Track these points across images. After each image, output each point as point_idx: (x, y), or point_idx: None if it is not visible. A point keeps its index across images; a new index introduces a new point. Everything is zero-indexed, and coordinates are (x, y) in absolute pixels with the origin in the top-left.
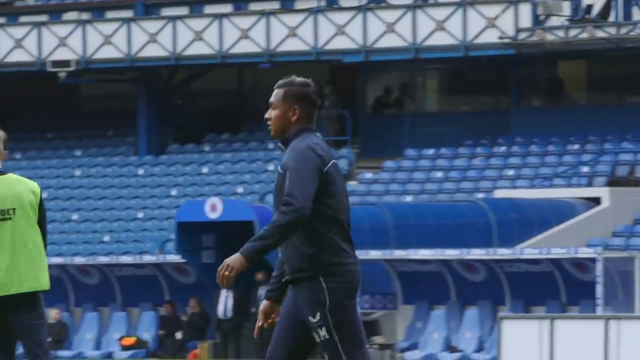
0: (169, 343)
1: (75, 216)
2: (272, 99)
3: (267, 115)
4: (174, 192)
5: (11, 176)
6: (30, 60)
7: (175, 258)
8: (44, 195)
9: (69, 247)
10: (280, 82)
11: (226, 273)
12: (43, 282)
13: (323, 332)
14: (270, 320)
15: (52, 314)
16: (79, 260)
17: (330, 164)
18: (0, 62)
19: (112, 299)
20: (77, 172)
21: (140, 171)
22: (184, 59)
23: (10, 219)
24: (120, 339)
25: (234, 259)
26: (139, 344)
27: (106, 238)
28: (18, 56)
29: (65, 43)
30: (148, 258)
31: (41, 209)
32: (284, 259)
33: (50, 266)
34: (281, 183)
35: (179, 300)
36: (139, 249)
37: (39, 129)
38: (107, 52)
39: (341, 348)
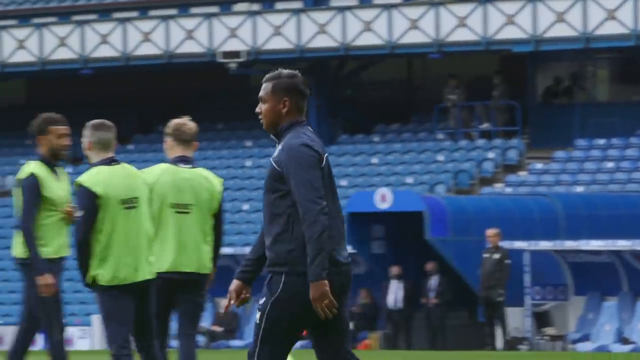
0: None
1: (246, 206)
2: (261, 93)
3: (257, 109)
4: (343, 182)
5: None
6: (201, 51)
7: None
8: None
9: (239, 237)
10: (267, 75)
11: (324, 305)
12: (209, 266)
13: (257, 316)
14: (241, 297)
15: (222, 303)
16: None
17: (325, 160)
18: (172, 53)
19: None
20: (248, 163)
21: None
22: (354, 49)
23: (189, 212)
24: None
25: (315, 292)
26: None
27: None
28: (189, 47)
29: (235, 34)
30: None
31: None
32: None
33: (221, 256)
34: (270, 177)
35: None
36: None
37: (209, 120)
38: (277, 43)
39: (260, 338)
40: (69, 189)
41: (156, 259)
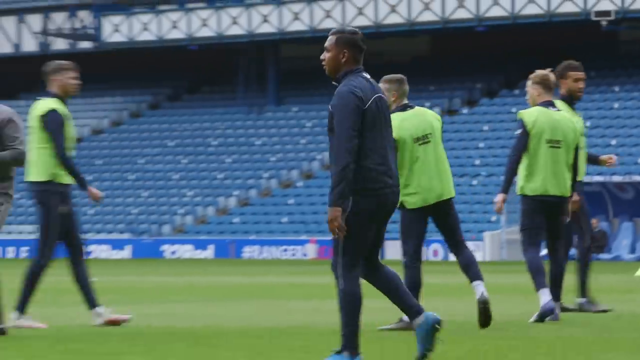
0: None
1: (613, 142)
2: (326, 44)
3: (321, 57)
4: None
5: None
6: (577, 11)
7: None
8: (587, 124)
9: (606, 168)
10: (333, 30)
11: (334, 226)
12: (569, 191)
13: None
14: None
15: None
16: (616, 178)
17: (370, 101)
18: (553, 13)
19: None
20: (615, 105)
21: None
22: None
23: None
24: None
25: (330, 214)
26: None
27: None
28: (567, 8)
29: None
30: None
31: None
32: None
33: (591, 184)
34: (330, 121)
35: None
36: None
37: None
38: None
39: (342, 253)
40: None
41: (527, 184)
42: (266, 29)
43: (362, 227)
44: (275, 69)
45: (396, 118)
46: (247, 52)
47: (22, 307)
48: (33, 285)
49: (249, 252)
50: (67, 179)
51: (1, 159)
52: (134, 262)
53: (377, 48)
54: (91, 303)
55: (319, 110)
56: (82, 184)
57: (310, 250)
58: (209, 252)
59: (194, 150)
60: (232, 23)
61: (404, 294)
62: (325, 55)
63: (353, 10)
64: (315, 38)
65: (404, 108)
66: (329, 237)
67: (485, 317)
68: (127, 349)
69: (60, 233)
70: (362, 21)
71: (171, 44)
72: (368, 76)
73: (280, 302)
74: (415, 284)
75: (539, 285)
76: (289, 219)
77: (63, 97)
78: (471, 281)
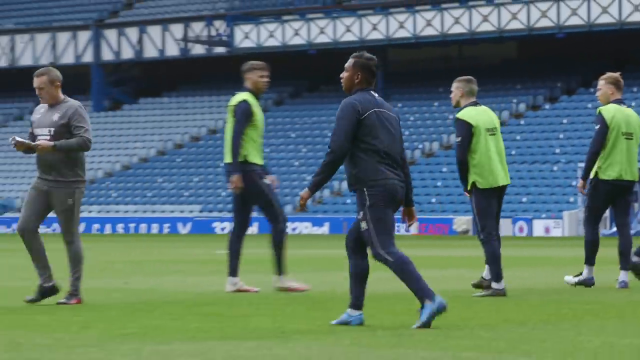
0: None
1: None
2: (346, 65)
3: (341, 75)
4: None
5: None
6: None
7: None
8: None
9: None
10: (354, 54)
11: (301, 203)
12: (637, 176)
13: (364, 225)
14: None
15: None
16: None
17: (369, 112)
18: (623, 22)
19: None
20: None
21: None
22: None
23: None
24: None
25: (304, 192)
26: None
27: None
28: (637, 17)
29: None
30: None
31: None
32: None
33: None
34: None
35: None
36: None
37: None
38: None
39: (375, 236)
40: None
41: (605, 171)
42: (375, 35)
43: (381, 212)
44: (383, 71)
45: (471, 111)
46: None
47: (279, 270)
48: (283, 250)
49: None
50: (257, 159)
51: (69, 146)
52: (261, 237)
53: (471, 52)
54: (232, 272)
55: (419, 106)
56: (234, 168)
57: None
58: (324, 229)
59: (312, 140)
60: (346, 31)
61: (365, 285)
62: (343, 74)
63: (450, 19)
64: (418, 44)
65: (475, 104)
66: (430, 216)
67: None
68: (254, 311)
69: (238, 206)
70: (458, 29)
71: (293, 49)
72: (375, 94)
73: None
74: (494, 257)
75: (588, 260)
76: None
77: (255, 92)
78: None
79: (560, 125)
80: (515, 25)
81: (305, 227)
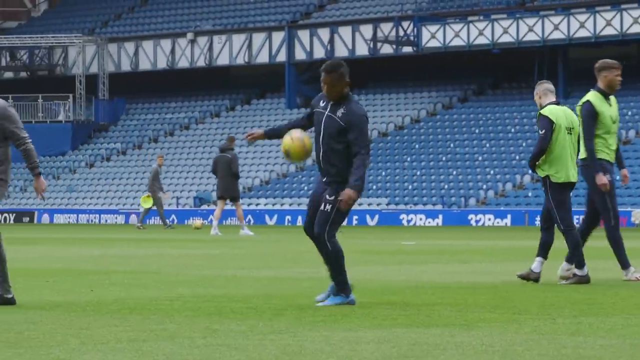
0: None
1: None
2: (331, 76)
3: (327, 84)
4: None
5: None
6: None
7: None
8: None
9: None
10: (328, 65)
11: (350, 203)
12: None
13: (327, 206)
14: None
15: None
16: None
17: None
18: None
19: None
20: None
21: None
22: None
23: (571, 133)
24: None
25: (355, 196)
26: None
27: None
28: None
29: None
30: None
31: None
32: (327, 167)
33: None
34: (345, 132)
35: None
36: None
37: None
38: None
39: (331, 221)
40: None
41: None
42: (556, 35)
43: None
44: (564, 69)
45: (554, 109)
46: (541, 54)
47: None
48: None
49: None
50: (608, 156)
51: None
52: (445, 228)
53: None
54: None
55: None
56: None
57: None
58: (507, 221)
59: (495, 136)
60: (528, 31)
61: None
62: (328, 84)
63: (629, 19)
64: (598, 43)
65: (557, 103)
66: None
67: None
68: (437, 300)
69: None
70: (637, 29)
71: (478, 48)
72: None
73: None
74: (577, 245)
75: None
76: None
77: (606, 92)
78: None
79: None
80: (636, 29)
81: (488, 220)
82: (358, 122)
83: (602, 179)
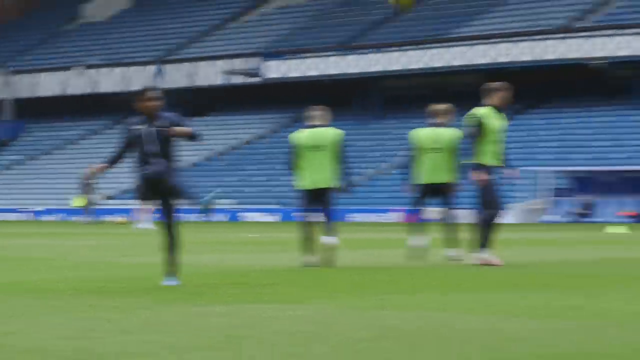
0: None
1: None
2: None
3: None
4: None
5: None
6: None
7: None
8: None
9: None
10: None
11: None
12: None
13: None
14: None
15: None
16: None
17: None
18: None
19: None
20: None
21: None
22: None
23: None
24: None
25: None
26: None
27: None
28: None
29: None
30: None
31: None
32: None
33: None
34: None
35: None
36: None
37: None
38: None
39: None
40: None
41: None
42: (374, 68)
43: None
44: (379, 97)
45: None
46: (362, 85)
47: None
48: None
49: None
50: (494, 160)
51: None
52: (282, 224)
53: None
54: None
55: None
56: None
57: None
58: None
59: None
60: (352, 65)
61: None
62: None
63: (435, 56)
64: (407, 75)
65: (313, 127)
66: None
67: None
68: (277, 281)
69: None
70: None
71: (311, 79)
72: None
73: None
74: None
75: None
76: None
77: (499, 108)
78: None
79: None
80: None
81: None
82: (178, 120)
83: (481, 175)
